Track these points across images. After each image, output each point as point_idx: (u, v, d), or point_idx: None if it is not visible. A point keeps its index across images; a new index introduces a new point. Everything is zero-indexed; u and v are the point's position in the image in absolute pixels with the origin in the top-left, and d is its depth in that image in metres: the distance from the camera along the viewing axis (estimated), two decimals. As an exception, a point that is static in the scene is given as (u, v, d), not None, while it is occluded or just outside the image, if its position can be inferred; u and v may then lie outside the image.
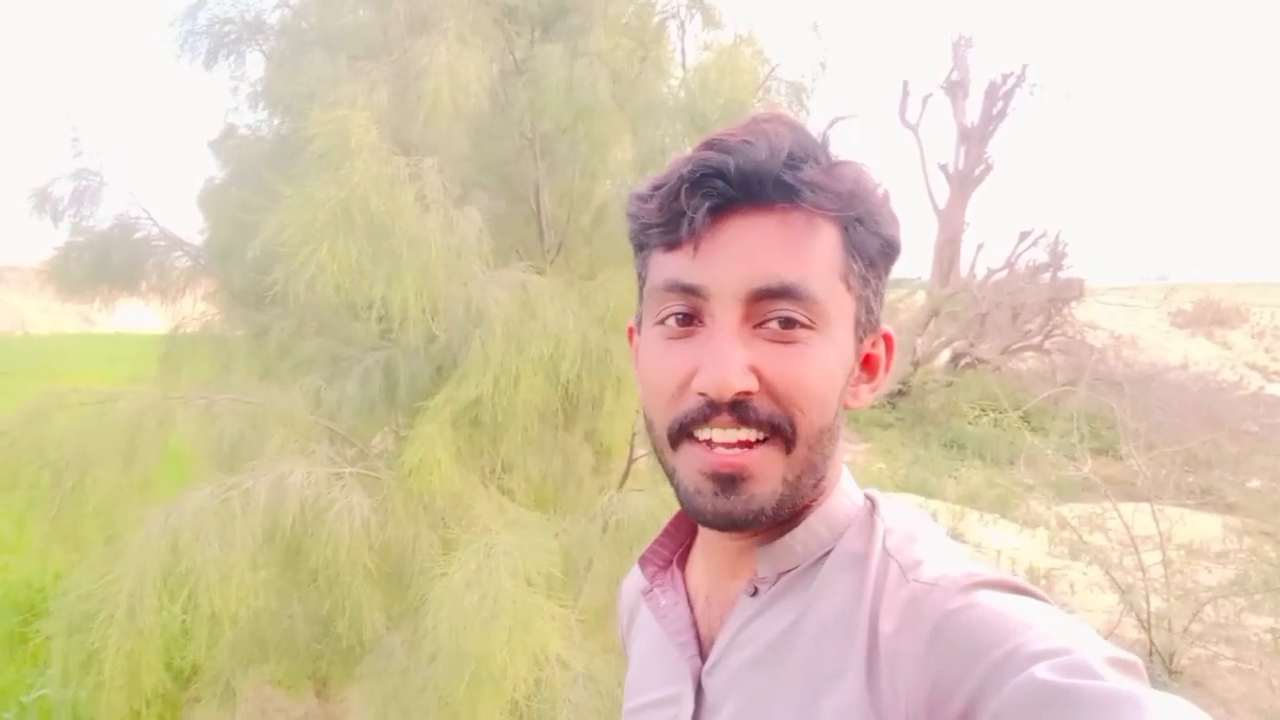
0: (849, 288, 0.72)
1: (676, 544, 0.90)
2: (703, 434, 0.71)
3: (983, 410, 9.36)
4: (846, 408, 0.76)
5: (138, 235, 3.58)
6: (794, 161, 0.69)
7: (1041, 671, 0.56)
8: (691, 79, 3.70)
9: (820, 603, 0.73)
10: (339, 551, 2.47)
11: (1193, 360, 15.86)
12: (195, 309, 3.94)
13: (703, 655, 0.81)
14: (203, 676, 3.22)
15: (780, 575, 0.77)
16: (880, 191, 0.74)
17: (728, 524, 0.72)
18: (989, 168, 17.10)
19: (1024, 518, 8.04)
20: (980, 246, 16.51)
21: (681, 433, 0.72)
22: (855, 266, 0.72)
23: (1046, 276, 15.18)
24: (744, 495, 0.70)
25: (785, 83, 3.90)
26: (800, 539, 0.76)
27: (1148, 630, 5.14)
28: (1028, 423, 8.01)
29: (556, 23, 3.79)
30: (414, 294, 2.75)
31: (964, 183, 17.22)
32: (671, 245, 0.72)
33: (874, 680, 0.66)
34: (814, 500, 0.77)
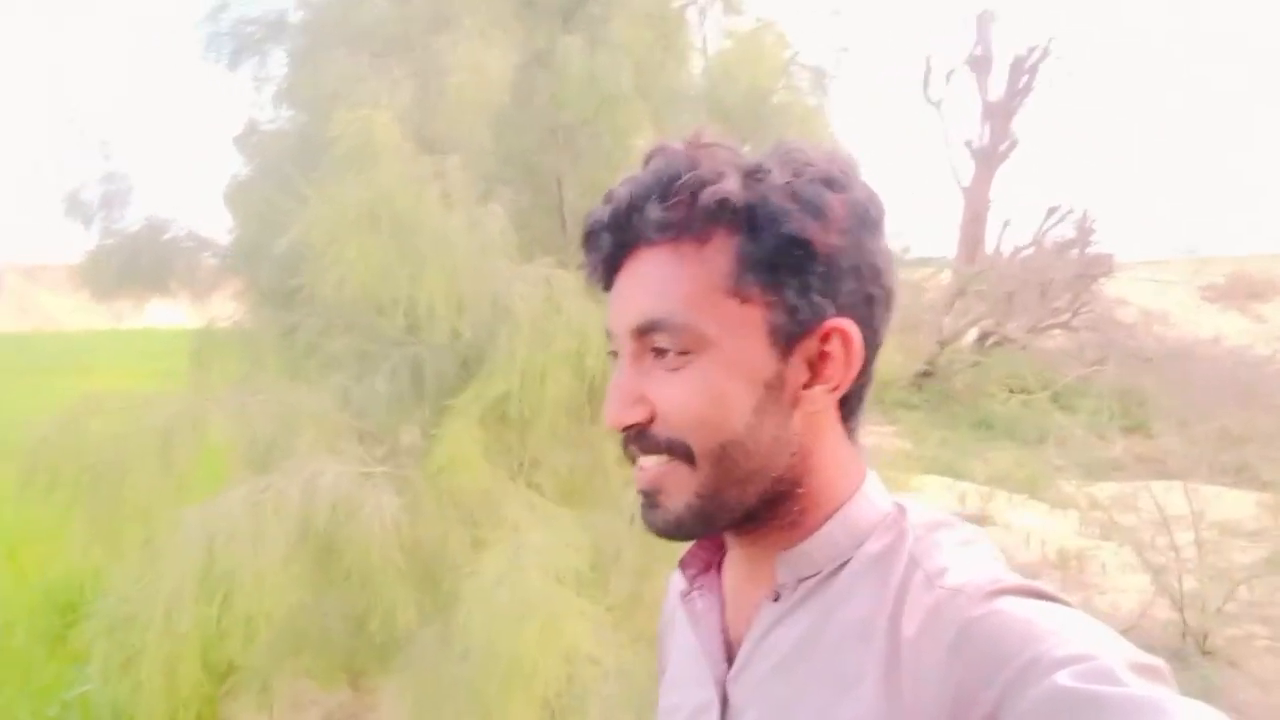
0: (746, 299, 0.71)
1: (717, 545, 0.89)
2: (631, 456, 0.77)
3: (1011, 390, 9.29)
4: (803, 411, 0.75)
5: (166, 236, 3.62)
6: (636, 201, 0.73)
7: (1064, 678, 0.56)
8: (713, 66, 3.69)
9: (841, 609, 0.73)
10: (370, 551, 2.50)
11: (1225, 335, 15.59)
12: (224, 308, 3.99)
13: (730, 661, 0.81)
14: (239, 673, 3.27)
15: (800, 582, 0.77)
16: (778, 190, 0.71)
17: (658, 533, 0.78)
18: (1014, 143, 16.95)
19: (1054, 498, 7.96)
20: (1006, 223, 16.44)
21: (626, 458, 0.78)
22: (752, 276, 0.71)
23: (1074, 252, 14.99)
24: (661, 509, 0.76)
25: (807, 68, 3.87)
26: (819, 546, 0.76)
27: (1181, 611, 5.09)
28: (1057, 402, 7.94)
29: (577, 13, 3.78)
30: (440, 292, 2.77)
31: (989, 159, 17.05)
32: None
33: (894, 686, 0.66)
34: (806, 507, 0.76)
